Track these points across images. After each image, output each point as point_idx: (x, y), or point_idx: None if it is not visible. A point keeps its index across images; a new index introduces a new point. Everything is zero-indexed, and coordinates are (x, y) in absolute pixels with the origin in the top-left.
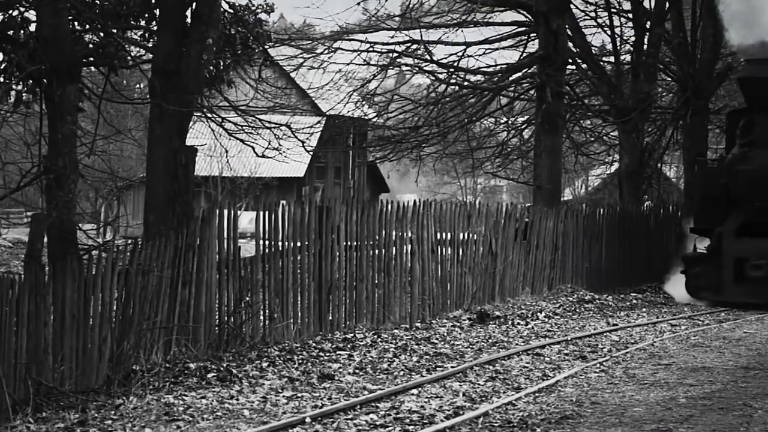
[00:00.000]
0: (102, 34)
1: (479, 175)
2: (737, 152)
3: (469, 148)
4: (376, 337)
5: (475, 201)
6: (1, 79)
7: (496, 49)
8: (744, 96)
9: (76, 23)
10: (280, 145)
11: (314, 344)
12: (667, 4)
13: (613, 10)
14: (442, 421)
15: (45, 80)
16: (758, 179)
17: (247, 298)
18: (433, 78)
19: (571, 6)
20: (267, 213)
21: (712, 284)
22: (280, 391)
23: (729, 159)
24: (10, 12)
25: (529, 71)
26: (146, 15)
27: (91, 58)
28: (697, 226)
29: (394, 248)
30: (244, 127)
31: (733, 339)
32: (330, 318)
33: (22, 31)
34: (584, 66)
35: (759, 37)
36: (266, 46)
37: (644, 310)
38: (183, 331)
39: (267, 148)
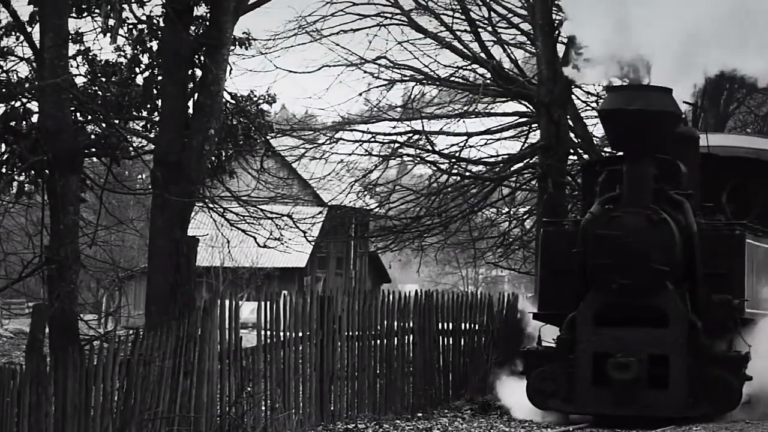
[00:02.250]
0: (104, 125)
1: (481, 265)
2: (597, 212)
3: (471, 239)
4: (377, 427)
5: (476, 291)
6: (4, 170)
7: (498, 139)
8: (608, 135)
9: (78, 114)
10: (281, 235)
11: None
12: None
13: None
14: None
15: (47, 171)
16: (626, 248)
17: (249, 388)
18: (435, 168)
19: (573, 96)
20: (268, 303)
21: (563, 389)
22: None
23: (586, 221)
24: (13, 103)
25: (531, 161)
26: (148, 106)
27: (93, 149)
28: (542, 311)
29: (395, 338)
30: (245, 218)
31: None
32: (332, 408)
33: (24, 122)
34: (586, 156)
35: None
36: (268, 137)
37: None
38: (184, 421)
39: (269, 238)
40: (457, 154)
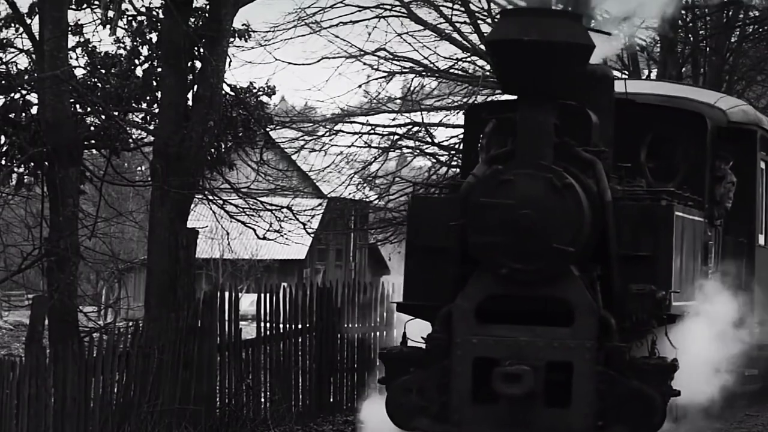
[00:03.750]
0: (103, 117)
1: None
2: (482, 174)
3: None
4: None
5: None
6: (3, 162)
7: None
8: (497, 73)
9: (77, 106)
10: (281, 227)
11: (315, 426)
12: None
13: None
14: None
15: (46, 163)
16: (518, 222)
17: (248, 380)
18: (435, 160)
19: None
20: (268, 295)
21: (434, 405)
22: None
23: (467, 186)
24: (12, 95)
25: None
26: (148, 98)
27: (93, 141)
28: (408, 301)
29: (395, 329)
30: (245, 210)
31: None
32: (331, 400)
33: (23, 114)
34: None
35: None
36: (267, 129)
37: None
38: (184, 413)
39: (268, 230)
40: (456, 146)
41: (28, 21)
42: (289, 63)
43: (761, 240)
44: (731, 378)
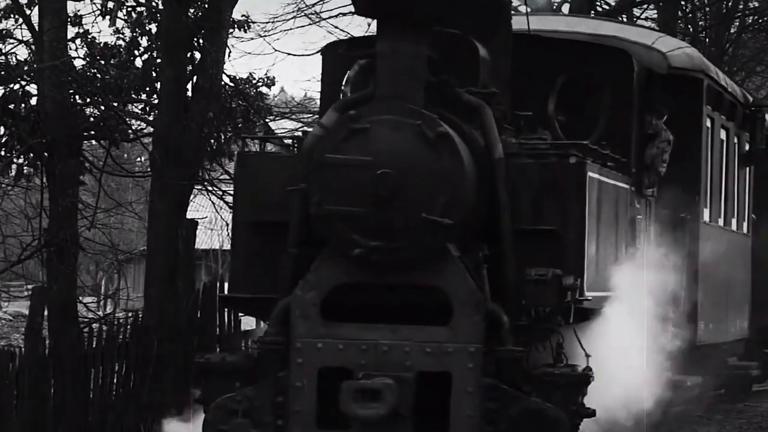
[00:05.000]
0: (103, 108)
1: None
2: (330, 123)
3: None
4: None
5: None
6: (3, 153)
7: None
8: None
9: (77, 97)
10: None
11: None
12: None
13: None
14: None
15: (46, 154)
16: (375, 185)
17: None
18: None
19: None
20: None
21: (267, 430)
22: None
23: (311, 139)
24: (12, 86)
25: None
26: (147, 89)
27: (92, 132)
28: (233, 293)
29: None
30: None
31: None
32: None
33: (23, 105)
34: None
35: None
36: (267, 120)
37: None
38: (185, 402)
39: None
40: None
41: (28, 12)
42: (289, 54)
43: (706, 215)
44: (666, 390)
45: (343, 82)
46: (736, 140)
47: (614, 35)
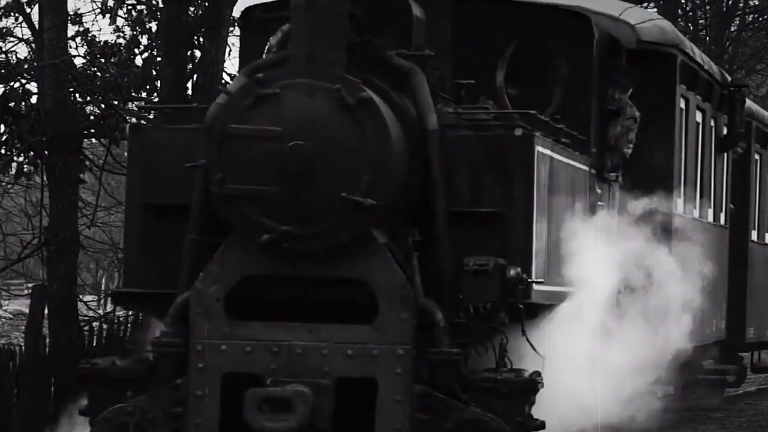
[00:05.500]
0: (103, 106)
1: None
2: (237, 89)
3: None
4: None
5: None
6: (3, 151)
7: None
8: None
9: (77, 95)
10: None
11: None
12: None
13: None
14: None
15: (46, 152)
16: (286, 159)
17: None
18: None
19: None
20: None
21: None
22: None
23: (213, 109)
24: (12, 84)
25: None
26: (147, 87)
27: (92, 130)
28: (126, 288)
29: None
30: None
31: None
32: None
33: (23, 103)
34: None
35: None
36: None
37: None
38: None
39: None
40: None
41: (28, 10)
42: None
43: (680, 207)
44: (631, 400)
45: (264, 52)
46: (713, 123)
47: (577, 5)
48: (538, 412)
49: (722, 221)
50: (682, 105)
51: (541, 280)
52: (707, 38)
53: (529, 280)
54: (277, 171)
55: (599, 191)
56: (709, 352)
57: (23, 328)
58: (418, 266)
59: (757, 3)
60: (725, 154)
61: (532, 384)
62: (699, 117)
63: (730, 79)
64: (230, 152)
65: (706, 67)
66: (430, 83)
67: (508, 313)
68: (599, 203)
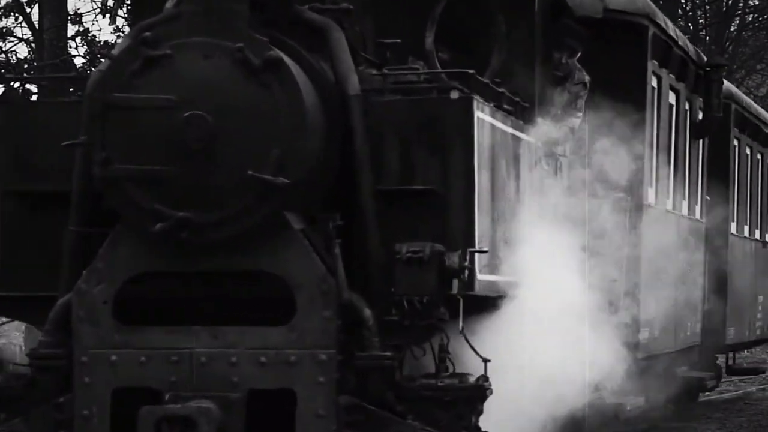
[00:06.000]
0: None
1: None
2: (121, 53)
3: None
4: None
5: None
6: None
7: None
8: None
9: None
10: None
11: None
12: None
13: None
14: None
15: None
16: (184, 134)
17: None
18: None
19: None
20: None
21: None
22: None
23: (94, 77)
24: (12, 84)
25: None
26: None
27: None
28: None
29: None
30: None
31: None
32: None
33: None
34: None
35: None
36: None
37: None
38: None
39: None
40: None
41: (28, 10)
42: None
43: (650, 196)
44: (596, 414)
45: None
46: (687, 106)
47: None
48: (486, 423)
49: (698, 214)
50: (654, 83)
51: (481, 278)
52: (707, 38)
53: (472, 268)
54: (172, 147)
55: (546, 167)
56: (685, 357)
57: (24, 327)
58: (341, 256)
59: (756, 3)
60: (701, 141)
61: (480, 391)
62: (672, 98)
63: (706, 58)
64: (115, 127)
65: (680, 43)
66: (349, 42)
67: (447, 308)
68: (546, 180)
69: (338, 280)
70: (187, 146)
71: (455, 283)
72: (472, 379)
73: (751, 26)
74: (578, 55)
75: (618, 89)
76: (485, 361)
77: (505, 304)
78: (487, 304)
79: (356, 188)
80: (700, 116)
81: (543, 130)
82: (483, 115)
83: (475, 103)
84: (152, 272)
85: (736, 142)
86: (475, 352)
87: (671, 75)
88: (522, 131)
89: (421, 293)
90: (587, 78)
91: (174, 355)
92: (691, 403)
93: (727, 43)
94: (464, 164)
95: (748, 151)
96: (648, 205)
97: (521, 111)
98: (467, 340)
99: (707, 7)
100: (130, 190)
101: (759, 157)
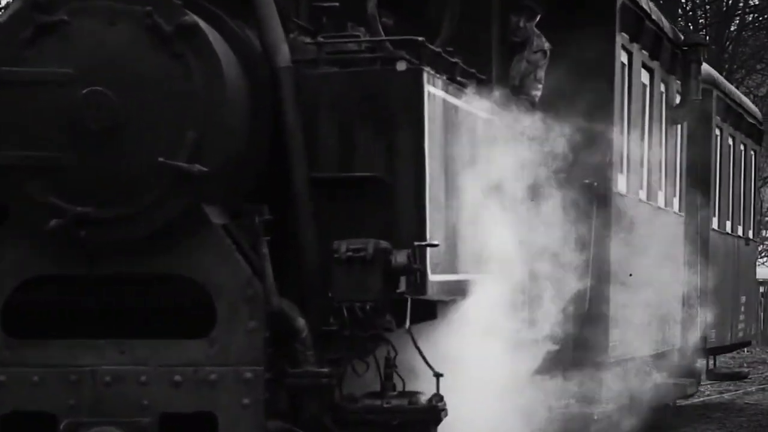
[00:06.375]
0: None
1: None
2: (13, 20)
3: None
4: None
5: None
6: None
7: None
8: None
9: None
10: None
11: None
12: None
13: None
14: None
15: None
16: (81, 114)
17: None
18: None
19: None
20: None
21: None
22: None
23: None
24: None
25: None
26: None
27: None
28: None
29: None
30: None
31: None
32: None
33: None
34: None
35: None
36: None
37: None
38: None
39: None
40: None
41: None
42: None
43: (622, 185)
44: (561, 418)
45: None
46: (663, 88)
47: None
48: None
49: (676, 206)
50: (624, 59)
51: (433, 279)
52: (707, 38)
53: (423, 269)
54: (69, 130)
55: (506, 148)
56: (662, 361)
57: None
58: (271, 255)
59: (757, 2)
60: (679, 127)
61: (433, 413)
62: (646, 78)
63: (683, 37)
64: (3, 106)
65: (654, 17)
66: (278, 5)
67: (394, 315)
68: (508, 165)
69: (266, 284)
70: (86, 128)
71: (403, 282)
72: (424, 399)
73: (751, 26)
74: (537, 18)
75: (582, 63)
76: (438, 375)
77: (461, 307)
78: (442, 308)
79: (287, 176)
80: (678, 100)
81: (501, 105)
82: (434, 90)
83: (425, 76)
84: (47, 277)
85: (718, 132)
86: (428, 364)
87: (644, 51)
88: (479, 107)
89: (364, 298)
90: (547, 45)
91: (73, 373)
92: (669, 410)
93: (727, 43)
94: (413, 147)
95: (730, 142)
96: (618, 193)
97: (477, 84)
98: (418, 349)
99: (707, 6)
100: (19, 181)
101: (742, 148)
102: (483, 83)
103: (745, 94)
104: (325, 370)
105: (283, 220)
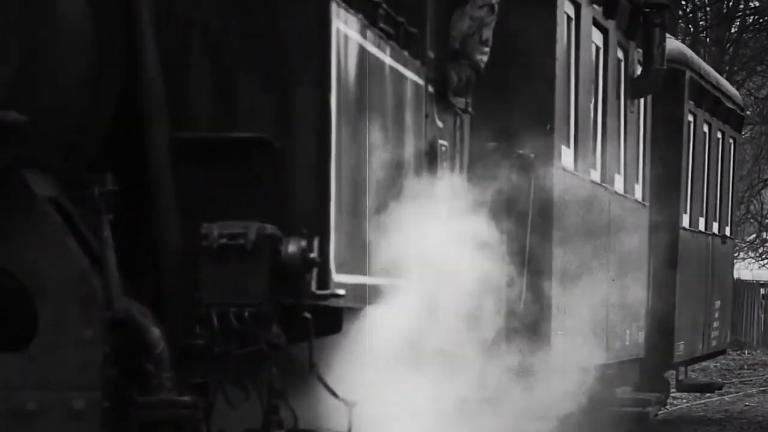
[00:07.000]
0: None
1: None
2: None
3: None
4: None
5: None
6: None
7: None
8: None
9: None
10: None
11: None
12: None
13: None
14: None
15: None
16: None
17: None
18: None
19: None
20: None
21: None
22: None
23: None
24: None
25: None
26: None
27: None
28: None
29: None
30: None
31: None
32: None
33: None
34: None
35: None
36: None
37: None
38: None
39: None
40: None
41: None
42: None
43: (566, 160)
44: None
45: None
46: (621, 55)
47: None
48: None
49: (639, 195)
50: (570, 11)
51: (337, 279)
52: (707, 39)
53: (325, 262)
54: None
55: (440, 124)
56: (623, 372)
57: None
58: (117, 242)
59: (757, 4)
60: (641, 102)
61: None
62: (598, 38)
63: None
64: None
65: None
66: None
67: (285, 326)
68: (441, 142)
69: (109, 279)
70: None
71: (303, 285)
72: None
73: (751, 28)
74: None
75: (521, 20)
76: (349, 405)
77: (376, 316)
78: (349, 317)
79: (142, 136)
80: (639, 70)
81: (436, 72)
82: (347, 29)
83: (334, 8)
84: None
85: (691, 118)
86: (333, 394)
87: (595, 6)
88: (407, 66)
89: (242, 302)
90: (494, 3)
91: None
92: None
93: (728, 45)
94: (316, 103)
95: (706, 129)
96: (563, 169)
97: (406, 38)
98: (322, 381)
99: (708, 8)
100: None
101: (719, 135)
102: (414, 39)
103: (746, 96)
104: (187, 398)
105: (136, 196)
